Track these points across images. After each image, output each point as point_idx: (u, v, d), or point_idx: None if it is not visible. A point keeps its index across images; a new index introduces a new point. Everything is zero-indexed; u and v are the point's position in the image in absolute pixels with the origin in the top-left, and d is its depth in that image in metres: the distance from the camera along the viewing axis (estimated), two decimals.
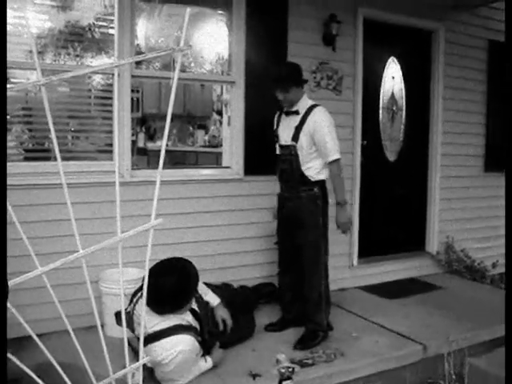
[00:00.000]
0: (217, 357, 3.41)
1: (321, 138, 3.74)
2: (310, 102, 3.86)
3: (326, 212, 3.90)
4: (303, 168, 3.82)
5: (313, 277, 3.88)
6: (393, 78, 5.75)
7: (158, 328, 3.14)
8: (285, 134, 3.89)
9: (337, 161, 3.78)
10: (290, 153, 3.83)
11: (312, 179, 3.83)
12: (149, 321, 3.14)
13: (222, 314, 3.64)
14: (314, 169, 3.83)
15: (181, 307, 3.24)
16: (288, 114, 3.90)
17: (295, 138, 3.79)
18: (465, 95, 6.10)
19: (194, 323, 3.35)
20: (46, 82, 1.15)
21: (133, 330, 3.31)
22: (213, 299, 3.67)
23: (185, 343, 3.13)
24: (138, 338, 3.04)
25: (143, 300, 1.68)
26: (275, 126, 4.03)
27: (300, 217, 3.87)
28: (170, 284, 3.14)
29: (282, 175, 3.98)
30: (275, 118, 4.05)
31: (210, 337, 3.44)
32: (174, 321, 3.20)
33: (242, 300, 4.17)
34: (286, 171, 3.91)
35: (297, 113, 3.83)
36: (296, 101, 3.84)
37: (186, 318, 3.30)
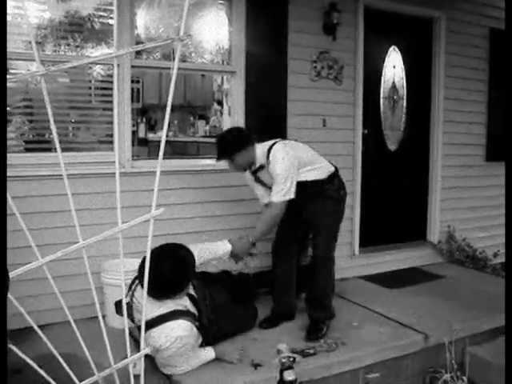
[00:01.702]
0: (220, 350, 3.41)
1: (273, 173, 3.68)
2: (265, 148, 3.76)
3: (341, 203, 3.94)
4: (305, 178, 3.78)
5: (325, 261, 3.89)
6: (394, 67, 5.73)
7: (155, 314, 3.16)
8: (268, 179, 3.81)
9: (279, 203, 3.66)
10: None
11: (320, 179, 3.84)
12: (146, 307, 3.13)
13: (239, 251, 3.68)
14: (315, 171, 3.84)
15: (178, 292, 3.25)
16: (256, 172, 3.87)
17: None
18: (466, 84, 6.07)
19: (192, 309, 3.37)
20: (45, 73, 1.15)
21: (132, 319, 3.33)
22: (223, 246, 3.66)
23: (182, 328, 3.16)
24: (138, 327, 3.09)
25: (144, 288, 1.68)
26: (252, 179, 3.95)
27: (319, 207, 3.87)
28: (167, 269, 3.14)
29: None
30: (247, 174, 3.97)
31: (209, 323, 3.45)
32: (171, 306, 3.22)
33: (242, 288, 4.18)
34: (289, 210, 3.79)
35: (262, 167, 3.80)
36: (252, 160, 3.80)
37: (184, 304, 3.32)
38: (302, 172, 3.76)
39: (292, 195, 3.66)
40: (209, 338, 3.45)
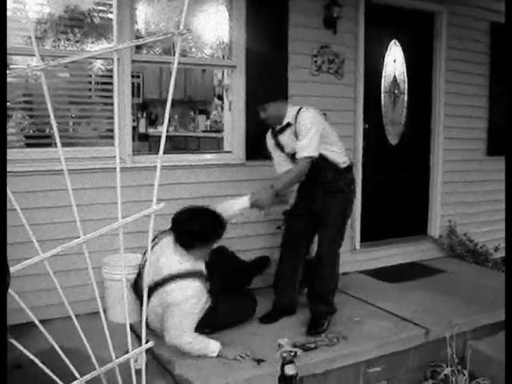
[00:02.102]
0: (224, 352, 3.37)
1: (300, 130, 3.74)
2: (295, 108, 3.86)
3: (350, 197, 3.96)
4: (325, 153, 3.82)
5: (330, 257, 3.91)
6: (394, 61, 5.71)
7: (174, 270, 3.34)
8: (288, 144, 3.89)
9: (302, 159, 3.71)
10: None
11: (337, 164, 3.86)
12: (166, 262, 3.38)
13: (262, 200, 3.73)
14: (335, 153, 3.86)
15: (204, 246, 3.46)
16: (278, 134, 3.95)
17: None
18: (467, 78, 6.06)
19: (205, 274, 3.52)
20: (45, 68, 1.14)
21: (137, 290, 3.53)
22: (241, 201, 3.75)
23: (197, 290, 3.32)
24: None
25: (144, 286, 1.68)
26: (272, 143, 4.03)
27: (329, 201, 3.89)
28: (201, 220, 3.42)
29: (303, 182, 3.96)
30: (268, 138, 4.07)
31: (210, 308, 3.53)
32: (190, 265, 3.39)
33: (240, 277, 4.17)
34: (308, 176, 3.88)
35: (287, 126, 3.86)
36: (282, 115, 3.87)
37: (201, 268, 3.48)
38: (322, 148, 3.79)
39: (316, 154, 3.71)
40: (208, 323, 3.48)
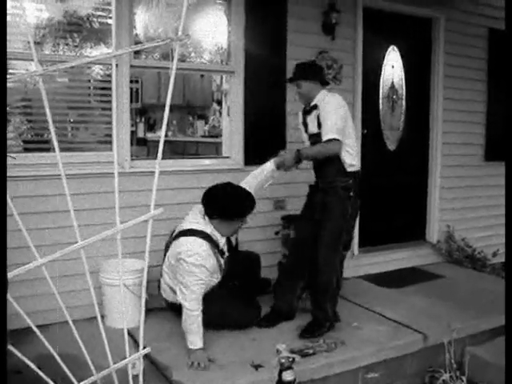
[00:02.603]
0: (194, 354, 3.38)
1: (324, 116, 3.79)
2: (326, 93, 3.94)
3: (352, 205, 3.90)
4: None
5: (326, 265, 3.90)
6: (393, 66, 5.73)
7: (188, 227, 3.62)
8: (310, 125, 3.96)
9: (331, 140, 3.75)
10: (317, 141, 3.87)
11: (343, 164, 3.86)
12: (186, 220, 3.71)
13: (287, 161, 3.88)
14: (347, 152, 3.86)
15: (223, 218, 3.64)
16: (306, 113, 4.01)
17: (319, 126, 3.84)
18: (465, 84, 6.08)
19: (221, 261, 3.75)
20: (43, 73, 1.15)
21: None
22: (268, 164, 3.92)
23: (205, 250, 3.52)
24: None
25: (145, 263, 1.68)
26: (301, 121, 4.11)
27: (327, 205, 3.89)
28: (227, 198, 3.67)
29: (314, 166, 4.05)
30: (299, 115, 4.16)
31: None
32: (203, 227, 3.62)
33: (250, 289, 4.22)
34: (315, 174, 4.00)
35: (315, 107, 3.90)
36: (312, 96, 3.92)
37: (217, 236, 3.68)
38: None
39: (341, 138, 3.75)
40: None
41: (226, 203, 3.65)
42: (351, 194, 3.88)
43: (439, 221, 6.05)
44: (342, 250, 4.00)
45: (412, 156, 5.97)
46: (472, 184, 6.26)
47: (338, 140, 3.73)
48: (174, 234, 3.69)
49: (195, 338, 3.38)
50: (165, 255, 3.76)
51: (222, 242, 3.73)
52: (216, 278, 3.71)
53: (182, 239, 3.55)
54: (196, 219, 3.67)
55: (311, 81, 3.93)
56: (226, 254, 3.81)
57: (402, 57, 5.78)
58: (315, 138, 3.90)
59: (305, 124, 4.04)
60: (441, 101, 5.92)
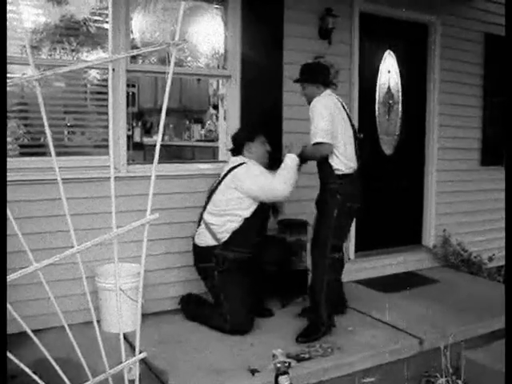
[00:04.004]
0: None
1: (311, 120, 3.83)
2: (319, 97, 3.93)
3: (340, 208, 3.87)
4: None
5: (316, 270, 3.93)
6: (389, 71, 5.74)
7: (236, 163, 4.05)
8: None
9: (317, 144, 3.79)
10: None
11: (331, 167, 3.87)
12: (228, 165, 4.13)
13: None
14: (334, 156, 3.86)
15: (246, 144, 4.15)
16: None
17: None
18: (461, 88, 6.10)
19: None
20: (40, 77, 1.14)
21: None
22: (288, 159, 4.00)
23: (253, 164, 4.05)
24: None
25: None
26: None
27: (317, 207, 4.02)
28: (239, 129, 4.44)
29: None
30: None
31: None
32: (246, 160, 4.08)
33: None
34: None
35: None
36: (311, 97, 3.95)
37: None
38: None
39: (325, 140, 3.76)
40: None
41: (236, 136, 4.24)
42: (338, 196, 3.85)
43: (435, 225, 6.06)
44: (332, 253, 3.93)
45: (408, 161, 5.98)
46: (468, 189, 6.27)
47: (323, 143, 3.75)
48: (223, 174, 4.08)
49: (290, 163, 3.90)
50: (209, 198, 4.09)
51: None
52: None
53: (237, 169, 3.98)
54: (234, 161, 4.08)
55: (313, 83, 3.99)
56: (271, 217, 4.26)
57: (399, 61, 5.80)
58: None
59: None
60: (437, 105, 5.94)
